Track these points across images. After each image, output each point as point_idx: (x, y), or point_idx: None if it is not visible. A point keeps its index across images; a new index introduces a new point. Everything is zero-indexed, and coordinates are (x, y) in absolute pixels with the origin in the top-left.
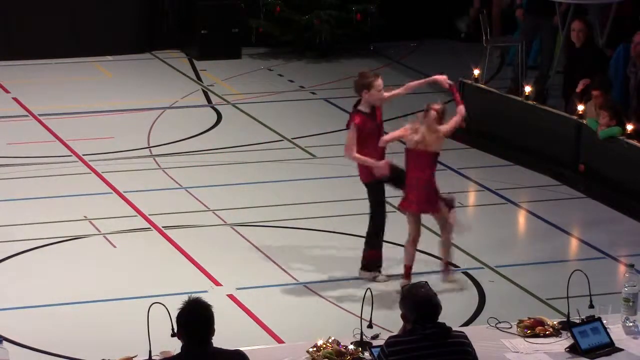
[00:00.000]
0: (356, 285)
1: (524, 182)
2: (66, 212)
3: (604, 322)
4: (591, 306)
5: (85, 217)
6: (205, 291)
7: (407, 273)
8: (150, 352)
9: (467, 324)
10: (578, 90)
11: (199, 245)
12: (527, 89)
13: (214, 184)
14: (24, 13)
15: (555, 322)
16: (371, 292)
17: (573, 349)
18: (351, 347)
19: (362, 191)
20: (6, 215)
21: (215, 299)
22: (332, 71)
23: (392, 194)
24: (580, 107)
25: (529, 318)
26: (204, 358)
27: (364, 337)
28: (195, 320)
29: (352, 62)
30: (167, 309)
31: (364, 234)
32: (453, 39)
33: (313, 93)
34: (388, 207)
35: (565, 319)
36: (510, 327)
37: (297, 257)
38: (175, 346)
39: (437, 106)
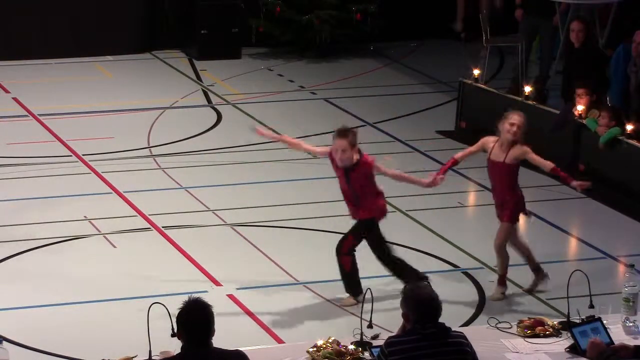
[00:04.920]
0: None
1: (524, 182)
2: (66, 212)
3: (604, 322)
4: (591, 306)
5: (85, 217)
6: (205, 291)
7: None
8: (150, 352)
9: (467, 324)
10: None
11: (199, 245)
12: (527, 89)
13: (214, 184)
14: (24, 13)
15: (555, 322)
16: (371, 292)
17: (573, 349)
18: (351, 347)
19: None
20: (6, 215)
21: (215, 299)
22: (332, 71)
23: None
24: (580, 107)
25: (529, 318)
26: (204, 358)
27: (364, 337)
28: (195, 320)
29: (352, 62)
30: (167, 309)
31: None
32: (453, 39)
33: (313, 93)
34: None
35: (565, 319)
36: (510, 327)
37: (297, 257)
38: (175, 346)
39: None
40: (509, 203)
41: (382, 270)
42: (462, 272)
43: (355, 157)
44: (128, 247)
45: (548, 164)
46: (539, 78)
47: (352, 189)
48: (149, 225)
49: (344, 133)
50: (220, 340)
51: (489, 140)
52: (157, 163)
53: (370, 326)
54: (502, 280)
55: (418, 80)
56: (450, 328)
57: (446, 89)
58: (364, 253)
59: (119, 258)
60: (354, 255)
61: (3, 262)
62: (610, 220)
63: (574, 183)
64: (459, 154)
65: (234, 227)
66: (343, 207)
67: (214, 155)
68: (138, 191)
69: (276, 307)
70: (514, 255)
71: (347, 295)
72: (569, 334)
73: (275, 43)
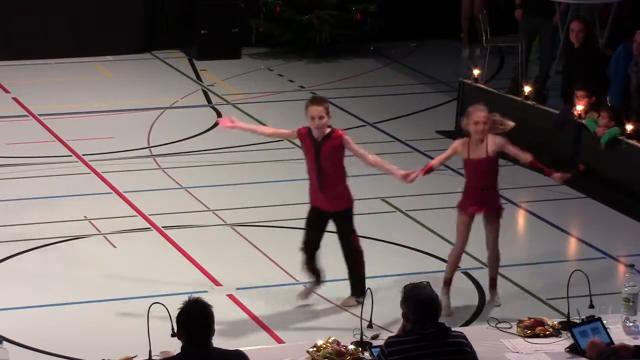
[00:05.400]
0: None
1: (524, 182)
2: (66, 212)
3: (604, 322)
4: (591, 306)
5: (85, 217)
6: (205, 291)
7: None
8: (150, 352)
9: (467, 324)
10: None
11: (199, 245)
12: (527, 89)
13: (214, 184)
14: (24, 13)
15: (555, 322)
16: (371, 292)
17: (573, 349)
18: (351, 347)
19: (362, 191)
20: (6, 215)
21: (215, 299)
22: (332, 71)
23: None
24: (580, 107)
25: (529, 318)
26: (204, 358)
27: (364, 337)
28: (195, 320)
29: (352, 62)
30: (167, 309)
31: (364, 234)
32: (453, 39)
33: (313, 93)
34: (387, 207)
35: (565, 319)
36: (510, 327)
37: (297, 257)
38: (175, 346)
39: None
40: (493, 202)
41: (383, 270)
42: (462, 272)
43: (328, 129)
44: (128, 247)
45: (527, 156)
46: (539, 78)
47: (320, 167)
48: (149, 225)
49: (320, 100)
50: (220, 340)
51: (460, 143)
52: (157, 163)
53: (370, 326)
54: (496, 283)
55: (418, 80)
56: (450, 328)
57: (446, 89)
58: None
59: (119, 258)
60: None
61: (3, 262)
62: (610, 220)
63: (555, 175)
64: (434, 161)
65: (234, 227)
66: None
67: (214, 155)
68: (138, 191)
69: (276, 307)
70: (516, 255)
71: (348, 295)
72: (569, 334)
73: (275, 43)
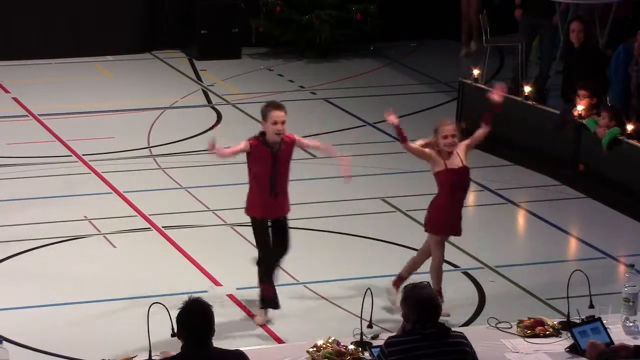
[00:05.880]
0: (356, 286)
1: (524, 182)
2: (66, 212)
3: (604, 322)
4: (591, 306)
5: (85, 217)
6: (205, 291)
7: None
8: (150, 352)
9: (467, 324)
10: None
11: (199, 245)
12: (527, 89)
13: (214, 184)
14: (24, 13)
15: (555, 322)
16: (371, 292)
17: (573, 349)
18: (351, 347)
19: (362, 191)
20: (6, 215)
21: (215, 299)
22: (332, 71)
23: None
24: (580, 107)
25: (529, 318)
26: (204, 358)
27: (364, 337)
28: (195, 320)
29: (352, 62)
30: (167, 309)
31: (364, 234)
32: (452, 39)
33: (313, 93)
34: (387, 207)
35: (565, 319)
36: (510, 327)
37: (297, 257)
38: (175, 346)
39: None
40: (460, 220)
41: (383, 270)
42: (462, 272)
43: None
44: (128, 247)
45: (481, 129)
46: (539, 78)
47: (275, 174)
48: (149, 225)
49: (281, 105)
50: (221, 340)
51: (434, 153)
52: (157, 163)
53: (370, 326)
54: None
55: (418, 80)
56: (450, 328)
57: (446, 89)
58: (363, 255)
59: (119, 258)
60: None
61: (3, 262)
62: (610, 220)
63: (493, 95)
64: (412, 145)
65: (234, 227)
66: (343, 207)
67: (214, 155)
68: (138, 191)
69: None
70: (516, 255)
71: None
72: (569, 334)
73: (275, 43)
